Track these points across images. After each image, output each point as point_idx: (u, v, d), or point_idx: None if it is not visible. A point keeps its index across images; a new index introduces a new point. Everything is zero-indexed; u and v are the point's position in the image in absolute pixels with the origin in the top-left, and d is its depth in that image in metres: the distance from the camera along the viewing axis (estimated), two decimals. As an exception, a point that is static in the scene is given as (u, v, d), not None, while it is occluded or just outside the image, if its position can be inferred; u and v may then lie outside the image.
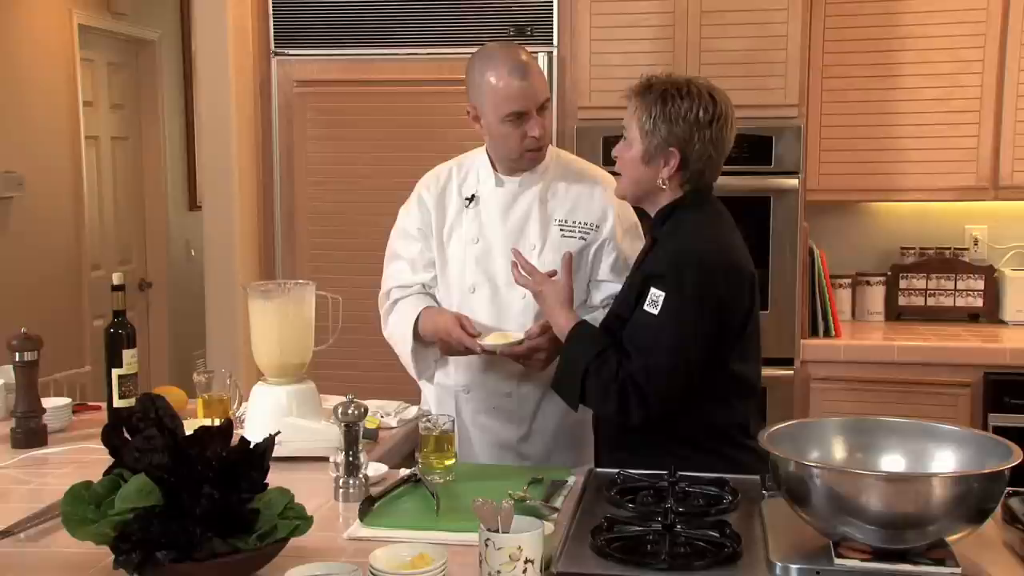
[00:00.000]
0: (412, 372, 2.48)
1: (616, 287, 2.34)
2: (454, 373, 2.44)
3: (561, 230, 2.38)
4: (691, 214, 2.07)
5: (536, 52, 3.64)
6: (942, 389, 3.47)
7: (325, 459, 2.07)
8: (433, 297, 2.46)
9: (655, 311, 1.97)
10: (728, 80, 3.45)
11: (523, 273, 2.21)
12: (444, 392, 2.47)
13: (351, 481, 1.94)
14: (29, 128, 4.66)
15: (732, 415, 2.06)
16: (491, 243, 2.39)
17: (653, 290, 1.98)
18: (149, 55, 5.68)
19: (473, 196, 2.41)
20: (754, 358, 2.12)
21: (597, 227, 2.39)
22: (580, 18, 3.61)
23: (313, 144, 3.92)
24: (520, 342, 2.24)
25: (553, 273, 2.21)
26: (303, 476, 2.04)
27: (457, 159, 2.50)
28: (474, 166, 2.45)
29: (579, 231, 2.38)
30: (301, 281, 2.33)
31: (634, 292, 2.06)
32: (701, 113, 2.02)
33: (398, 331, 2.43)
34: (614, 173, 2.19)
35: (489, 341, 2.26)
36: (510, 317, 2.35)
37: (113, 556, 1.46)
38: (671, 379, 1.98)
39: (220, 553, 1.46)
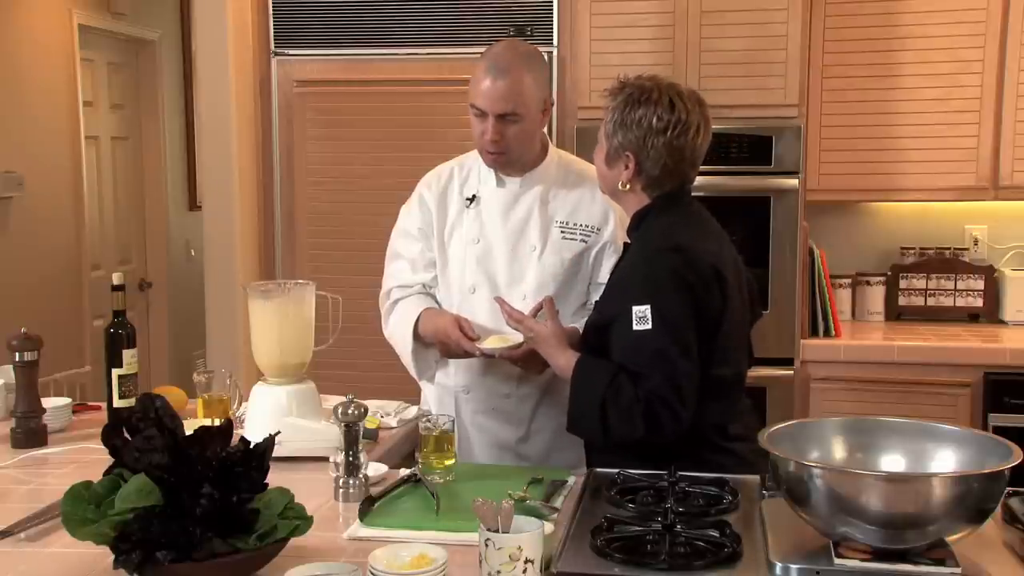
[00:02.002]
0: (412, 372, 2.48)
1: None
2: (454, 373, 2.44)
3: (562, 232, 2.38)
4: (659, 218, 2.09)
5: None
6: (942, 389, 3.47)
7: (325, 459, 2.07)
8: (434, 297, 2.46)
9: (648, 326, 1.96)
10: (728, 80, 3.49)
11: (512, 323, 2.20)
12: (444, 392, 2.46)
13: (351, 481, 1.94)
14: (29, 128, 4.66)
15: (706, 416, 2.03)
16: (492, 243, 2.39)
17: (636, 308, 1.97)
18: (149, 55, 5.68)
19: (474, 196, 2.41)
20: (731, 359, 2.10)
21: (598, 230, 2.39)
22: (580, 18, 3.61)
23: (313, 144, 3.92)
24: (519, 345, 2.23)
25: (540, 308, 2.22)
26: (303, 476, 2.04)
27: (459, 159, 2.50)
28: (475, 166, 2.44)
29: (580, 233, 2.38)
30: (301, 281, 2.33)
31: (611, 308, 2.05)
32: (655, 120, 2.03)
33: (398, 332, 2.43)
34: None
35: (488, 344, 2.26)
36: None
37: (113, 556, 1.46)
38: (691, 381, 1.97)
39: (220, 553, 1.46)
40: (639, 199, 2.11)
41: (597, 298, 2.37)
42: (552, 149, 2.45)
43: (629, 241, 2.17)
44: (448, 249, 2.42)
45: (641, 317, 1.97)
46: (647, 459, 1.98)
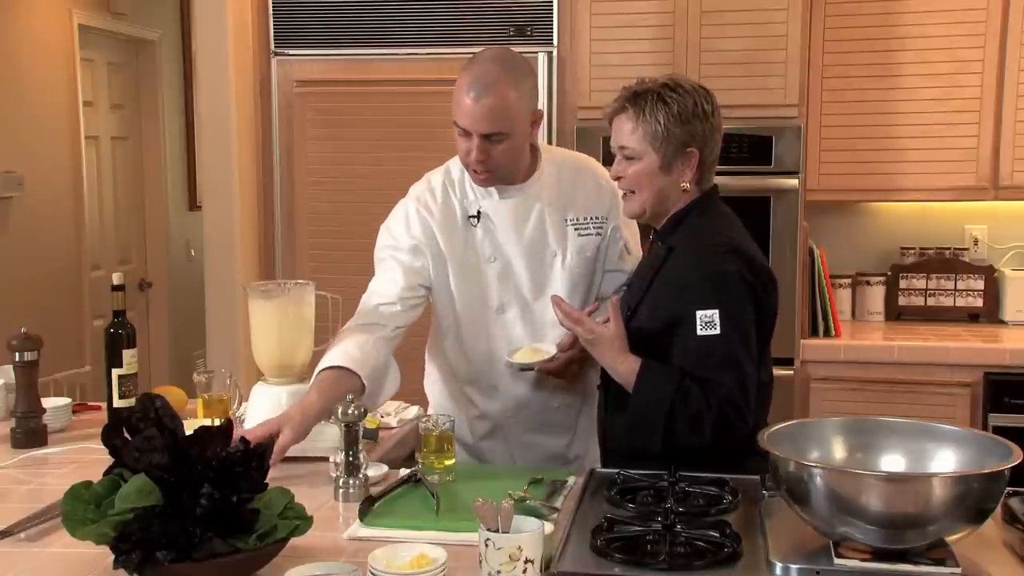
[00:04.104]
0: None
1: (622, 276, 2.32)
2: (501, 399, 2.34)
3: (576, 230, 2.31)
4: (701, 218, 2.05)
5: (536, 52, 3.65)
6: (942, 389, 3.47)
7: (325, 459, 2.07)
8: (388, 339, 2.23)
9: (716, 331, 1.91)
10: (728, 80, 3.49)
11: (569, 323, 2.06)
12: (483, 422, 2.36)
13: (351, 481, 1.94)
14: (29, 128, 4.66)
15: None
16: (509, 259, 2.29)
17: (701, 313, 1.92)
18: (149, 55, 5.68)
19: (478, 213, 2.29)
20: (769, 363, 2.09)
21: (606, 218, 2.34)
22: (580, 18, 3.61)
23: (313, 144, 3.92)
24: (553, 358, 2.20)
25: (594, 310, 2.14)
26: (303, 476, 2.04)
27: (442, 170, 2.35)
28: (465, 179, 2.30)
29: (593, 226, 2.32)
30: (301, 281, 2.33)
31: (665, 313, 2.00)
32: (704, 104, 2.01)
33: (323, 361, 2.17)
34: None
35: (520, 358, 2.22)
36: (545, 331, 2.29)
37: (113, 556, 1.46)
38: (754, 385, 1.95)
39: (220, 553, 1.46)
40: (682, 201, 2.05)
41: (608, 287, 2.33)
42: (542, 147, 2.35)
43: (664, 244, 2.09)
44: (463, 272, 2.29)
45: (708, 322, 1.92)
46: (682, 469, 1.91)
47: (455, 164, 2.33)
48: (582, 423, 2.40)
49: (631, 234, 2.39)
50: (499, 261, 2.29)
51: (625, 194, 2.10)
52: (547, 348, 2.23)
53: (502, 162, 2.19)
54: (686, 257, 2.02)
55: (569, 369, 2.24)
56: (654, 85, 2.02)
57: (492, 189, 2.28)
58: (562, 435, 2.39)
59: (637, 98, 2.02)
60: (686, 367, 1.95)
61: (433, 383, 2.47)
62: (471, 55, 2.23)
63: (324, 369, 2.11)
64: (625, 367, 1.99)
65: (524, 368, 2.25)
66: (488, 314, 2.31)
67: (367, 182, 3.87)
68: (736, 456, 1.95)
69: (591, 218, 2.33)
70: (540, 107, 2.26)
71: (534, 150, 2.33)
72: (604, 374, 2.10)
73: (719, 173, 2.13)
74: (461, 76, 2.15)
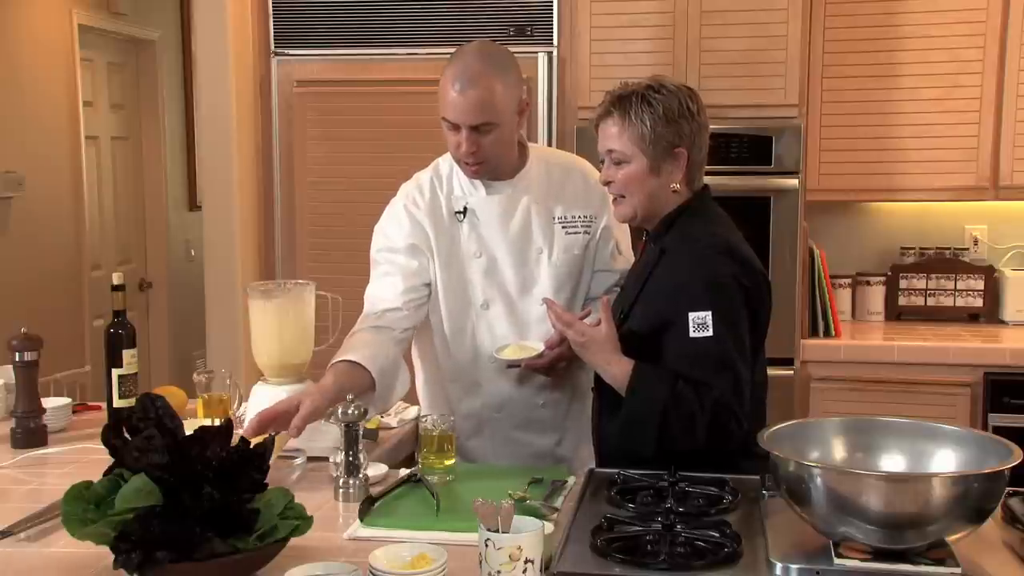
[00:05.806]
0: None
1: (612, 276, 2.32)
2: (484, 396, 2.34)
3: (564, 227, 2.31)
4: (698, 218, 2.04)
5: (536, 52, 3.65)
6: (942, 389, 3.47)
7: (325, 459, 2.07)
8: (399, 339, 2.27)
9: (708, 332, 1.91)
10: (728, 80, 3.49)
11: (561, 325, 2.06)
12: (466, 421, 2.35)
13: (351, 481, 1.94)
14: (29, 128, 4.66)
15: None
16: (495, 255, 2.30)
17: (694, 315, 1.91)
18: (149, 55, 5.68)
19: (465, 208, 2.30)
20: (763, 364, 2.09)
21: (596, 217, 2.34)
22: (580, 18, 3.61)
23: (313, 144, 3.92)
24: (540, 355, 2.20)
25: (586, 314, 2.13)
26: (303, 476, 2.04)
27: (431, 168, 2.38)
28: (454, 175, 2.33)
29: (581, 225, 2.32)
30: (301, 281, 2.33)
31: (658, 315, 1.99)
32: (689, 103, 2.01)
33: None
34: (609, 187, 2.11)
35: (508, 354, 2.23)
36: (530, 328, 2.29)
37: (113, 556, 1.46)
38: (748, 387, 1.95)
39: (220, 553, 1.46)
40: (674, 203, 2.05)
41: (598, 288, 2.34)
42: (532, 146, 2.37)
43: (656, 246, 2.08)
44: (449, 268, 2.30)
45: (700, 324, 1.91)
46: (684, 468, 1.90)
47: (444, 161, 2.36)
48: (572, 423, 2.39)
49: (622, 235, 2.39)
50: (484, 256, 2.30)
51: (615, 199, 2.09)
52: (535, 345, 2.23)
53: (492, 153, 2.21)
54: (679, 258, 2.02)
55: (556, 366, 2.24)
56: (638, 87, 2.02)
57: (479, 184, 2.30)
58: (549, 434, 2.38)
59: (622, 101, 2.02)
60: (679, 369, 1.94)
61: (419, 381, 2.46)
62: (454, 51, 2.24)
63: (337, 362, 2.14)
64: (617, 369, 1.99)
65: (511, 364, 2.25)
66: (473, 310, 2.31)
67: (367, 182, 3.86)
68: (731, 458, 1.95)
69: (579, 216, 2.33)
70: (524, 96, 2.26)
71: (522, 147, 2.34)
72: (598, 377, 2.09)
73: (719, 173, 2.14)
74: (445, 71, 2.19)
